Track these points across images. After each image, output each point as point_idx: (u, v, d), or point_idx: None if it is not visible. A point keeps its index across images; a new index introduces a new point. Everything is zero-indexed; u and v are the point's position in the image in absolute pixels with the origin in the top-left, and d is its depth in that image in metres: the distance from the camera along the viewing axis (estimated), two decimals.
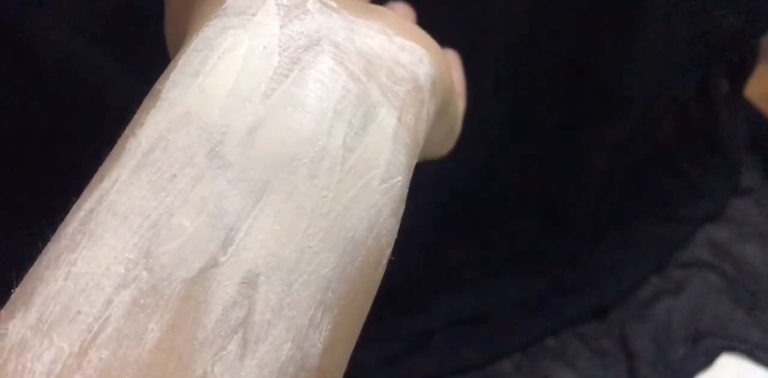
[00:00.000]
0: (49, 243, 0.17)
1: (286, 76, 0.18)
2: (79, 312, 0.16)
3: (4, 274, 0.18)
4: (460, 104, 0.32)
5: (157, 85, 0.19)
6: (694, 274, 0.56)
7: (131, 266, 0.16)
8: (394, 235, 0.20)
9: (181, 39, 0.21)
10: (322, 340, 0.18)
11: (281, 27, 0.19)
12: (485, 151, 0.48)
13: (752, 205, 0.60)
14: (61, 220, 0.18)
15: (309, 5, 0.20)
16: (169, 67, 0.20)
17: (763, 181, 0.61)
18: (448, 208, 0.51)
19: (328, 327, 0.18)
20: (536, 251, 0.55)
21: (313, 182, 0.18)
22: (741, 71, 0.57)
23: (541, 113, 0.50)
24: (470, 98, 0.36)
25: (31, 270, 0.17)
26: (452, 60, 0.35)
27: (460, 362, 0.51)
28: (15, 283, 0.17)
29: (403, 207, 0.20)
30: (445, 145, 0.32)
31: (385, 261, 0.20)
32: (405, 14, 0.35)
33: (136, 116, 0.19)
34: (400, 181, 0.20)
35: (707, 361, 0.50)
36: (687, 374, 0.49)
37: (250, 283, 0.17)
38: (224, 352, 0.16)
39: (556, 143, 0.52)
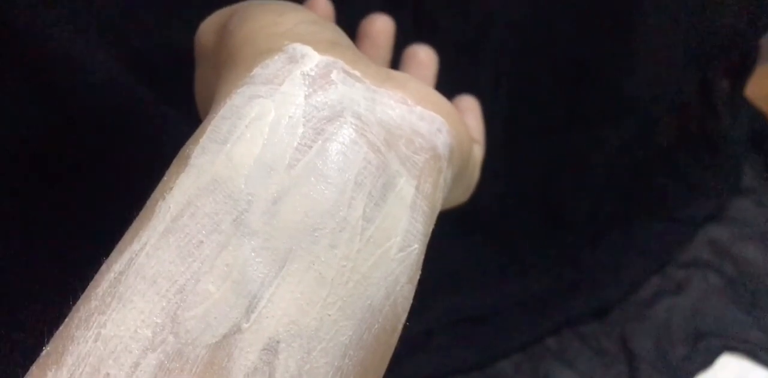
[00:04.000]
0: (79, 302, 0.18)
1: (310, 147, 0.19)
2: (108, 374, 0.16)
3: (36, 328, 0.18)
4: (476, 152, 0.32)
5: (185, 150, 0.20)
6: (694, 274, 0.55)
7: (158, 330, 0.17)
8: (410, 302, 0.20)
9: (211, 99, 0.22)
10: None
11: (306, 97, 0.20)
12: (485, 151, 0.48)
13: (753, 205, 0.60)
14: (90, 275, 0.18)
15: (333, 76, 0.20)
16: (198, 132, 0.20)
17: (763, 181, 0.61)
18: (448, 208, 0.51)
19: None
20: (536, 251, 0.55)
21: (333, 252, 0.18)
22: (741, 71, 0.57)
23: (542, 113, 0.50)
24: None
25: (62, 328, 0.17)
26: (470, 106, 0.36)
27: (460, 362, 0.51)
28: (46, 339, 0.17)
29: (419, 273, 0.21)
30: (463, 196, 0.32)
31: (400, 326, 0.20)
32: (429, 60, 0.35)
33: (165, 179, 0.20)
34: (417, 249, 0.20)
35: (707, 361, 0.50)
36: (687, 374, 0.49)
37: (271, 349, 0.17)
38: None
39: (556, 143, 0.52)
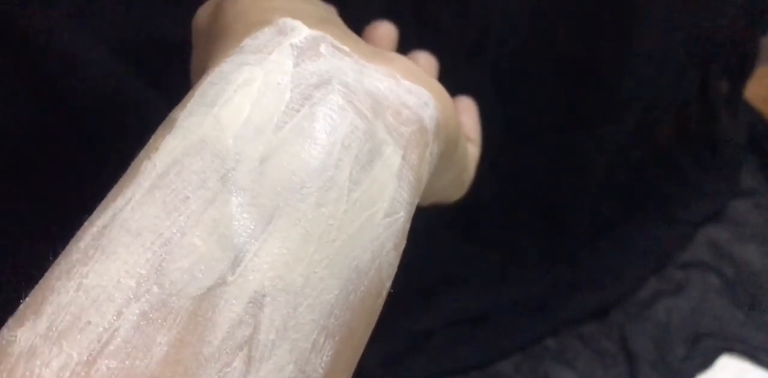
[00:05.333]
0: (59, 256, 0.18)
1: (298, 111, 0.19)
2: (89, 322, 0.16)
3: (14, 287, 0.18)
4: (472, 150, 0.33)
5: (172, 115, 0.20)
6: (693, 274, 0.56)
7: (142, 281, 0.17)
8: (395, 269, 0.21)
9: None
10: (323, 365, 0.18)
11: (294, 66, 0.20)
12: (485, 152, 0.48)
13: (752, 206, 0.60)
14: (72, 235, 0.18)
15: (322, 49, 0.21)
16: (185, 98, 0.20)
17: (763, 181, 0.61)
18: (448, 208, 0.51)
19: (330, 353, 0.18)
20: (536, 251, 0.55)
21: (320, 210, 0.18)
22: (741, 72, 0.57)
23: (541, 114, 0.50)
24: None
25: (42, 282, 0.17)
26: (467, 106, 0.36)
27: (460, 362, 0.51)
28: (23, 294, 0.17)
29: (404, 242, 0.21)
30: (456, 190, 0.33)
31: (385, 293, 0.20)
32: (429, 65, 0.36)
33: (150, 141, 0.20)
34: (402, 217, 0.20)
35: (707, 361, 0.50)
36: (687, 375, 0.49)
37: (256, 303, 0.17)
38: (229, 369, 0.16)
39: (556, 144, 0.52)
